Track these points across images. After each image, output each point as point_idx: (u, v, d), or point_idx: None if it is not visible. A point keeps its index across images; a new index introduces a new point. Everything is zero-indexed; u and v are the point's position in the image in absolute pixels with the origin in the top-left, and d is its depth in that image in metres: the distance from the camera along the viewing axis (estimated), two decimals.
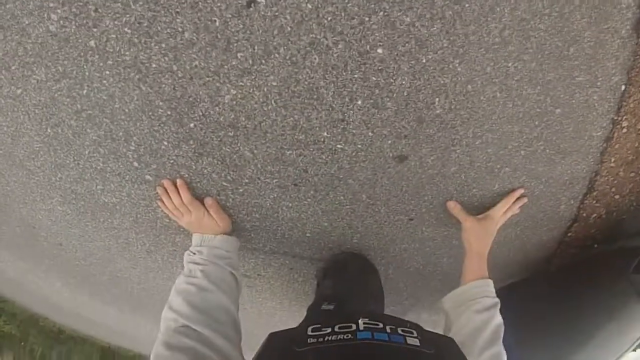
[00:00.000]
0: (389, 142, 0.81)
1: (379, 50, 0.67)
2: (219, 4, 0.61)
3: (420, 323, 0.54)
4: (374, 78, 0.70)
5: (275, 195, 0.92)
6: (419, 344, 0.46)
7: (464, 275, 0.90)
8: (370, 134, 0.79)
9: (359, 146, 0.81)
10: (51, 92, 0.74)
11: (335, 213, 0.98)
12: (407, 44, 0.67)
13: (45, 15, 0.63)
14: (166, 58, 0.67)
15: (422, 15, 0.64)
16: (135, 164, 0.86)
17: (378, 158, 0.84)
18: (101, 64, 0.69)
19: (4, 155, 0.92)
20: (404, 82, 0.71)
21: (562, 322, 1.10)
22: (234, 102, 0.73)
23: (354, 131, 0.78)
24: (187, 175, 0.87)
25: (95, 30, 0.64)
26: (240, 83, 0.70)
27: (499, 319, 0.79)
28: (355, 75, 0.70)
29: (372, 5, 0.62)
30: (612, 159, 0.92)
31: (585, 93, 0.78)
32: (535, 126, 0.82)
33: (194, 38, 0.65)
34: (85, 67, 0.69)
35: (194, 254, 0.83)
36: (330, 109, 0.74)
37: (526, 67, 0.72)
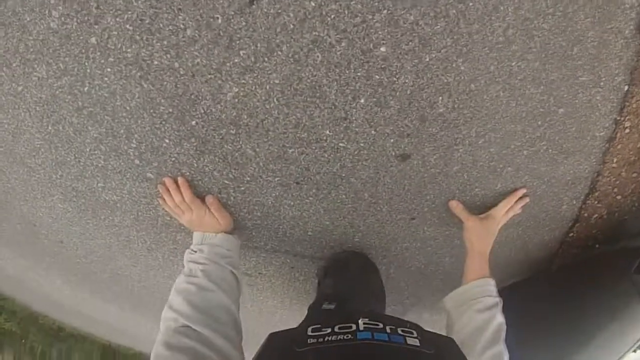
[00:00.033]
0: (392, 140, 0.81)
1: (382, 49, 0.66)
2: (221, 1, 0.61)
3: (422, 322, 0.54)
4: (377, 76, 0.70)
5: (277, 194, 0.92)
6: (418, 344, 0.46)
7: (465, 275, 0.90)
8: (373, 132, 0.79)
9: (362, 144, 0.81)
10: (52, 89, 0.74)
11: (337, 212, 0.98)
12: (410, 43, 0.66)
13: (47, 12, 0.63)
14: (168, 55, 0.67)
15: (426, 14, 0.63)
16: (137, 161, 0.86)
17: (381, 157, 0.84)
18: (102, 61, 0.68)
19: (4, 153, 0.92)
20: (407, 81, 0.71)
21: (564, 322, 1.10)
22: (236, 100, 0.73)
23: (356, 129, 0.78)
24: (188, 173, 0.87)
25: (96, 27, 0.64)
26: (243, 81, 0.70)
27: (500, 318, 0.79)
28: (358, 74, 0.69)
29: (376, 4, 0.61)
30: (615, 160, 0.92)
31: (588, 93, 0.78)
32: (538, 126, 0.82)
33: (196, 35, 0.64)
34: (86, 64, 0.69)
35: (195, 252, 0.83)
36: (333, 107, 0.74)
37: (530, 66, 0.72)
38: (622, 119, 0.84)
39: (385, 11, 0.62)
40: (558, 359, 1.09)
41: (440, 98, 0.74)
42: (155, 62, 0.68)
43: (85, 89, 0.73)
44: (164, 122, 0.77)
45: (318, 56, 0.67)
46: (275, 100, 0.73)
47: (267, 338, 0.50)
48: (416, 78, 0.71)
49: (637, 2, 0.67)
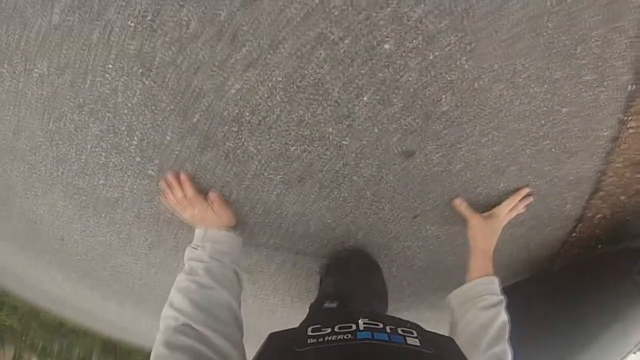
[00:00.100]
0: (395, 138, 0.80)
1: (386, 46, 0.66)
2: None
3: (424, 321, 0.54)
4: (380, 74, 0.69)
5: (279, 191, 0.91)
6: (419, 344, 0.47)
7: (469, 273, 0.90)
8: (376, 130, 0.78)
9: (365, 142, 0.80)
10: (53, 85, 0.74)
11: (339, 209, 0.97)
12: (414, 40, 0.66)
13: (48, 6, 0.62)
14: (170, 51, 0.67)
15: (431, 11, 0.62)
16: (138, 158, 0.85)
17: (384, 155, 0.83)
18: (104, 57, 0.68)
19: (5, 149, 0.92)
20: (411, 78, 0.70)
21: (566, 322, 1.09)
22: (239, 96, 0.72)
23: (359, 127, 0.77)
24: (190, 170, 0.86)
25: (98, 22, 0.63)
26: (245, 77, 0.69)
27: (504, 316, 0.79)
28: (362, 71, 0.69)
29: (380, 0, 0.61)
30: (619, 160, 0.91)
31: (592, 92, 0.77)
32: (542, 125, 0.81)
33: (199, 30, 0.64)
34: (88, 60, 0.69)
35: (196, 249, 0.82)
36: (336, 104, 0.73)
37: (534, 65, 0.71)
38: (627, 118, 0.83)
39: (389, 8, 0.62)
40: (560, 359, 1.09)
41: (444, 96, 0.74)
42: (158, 58, 0.67)
43: (87, 85, 0.72)
44: (165, 119, 0.76)
45: (322, 53, 0.66)
46: (278, 96, 0.72)
47: (267, 338, 0.50)
48: (420, 76, 0.70)
49: None
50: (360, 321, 0.50)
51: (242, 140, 0.80)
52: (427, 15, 0.63)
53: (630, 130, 0.85)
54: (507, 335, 0.77)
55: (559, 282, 1.18)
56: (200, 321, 0.66)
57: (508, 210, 0.94)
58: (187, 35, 0.64)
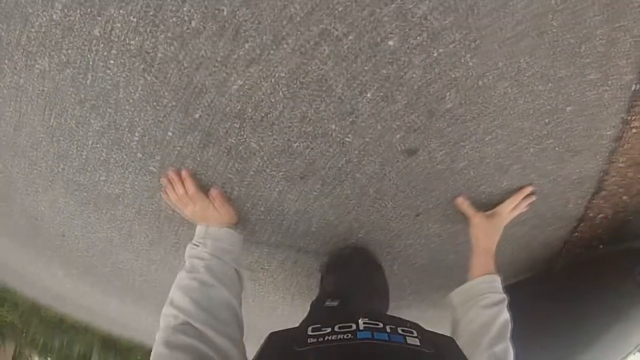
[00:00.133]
0: (398, 135, 0.80)
1: (390, 43, 0.65)
2: None
3: (425, 319, 0.54)
4: (384, 70, 0.69)
5: (281, 188, 0.91)
6: (419, 344, 0.46)
7: (471, 271, 0.90)
8: (379, 127, 0.78)
9: (368, 139, 0.80)
10: (54, 81, 0.73)
11: (341, 207, 0.97)
12: (419, 37, 0.65)
13: (49, 3, 0.62)
14: (172, 47, 0.66)
15: (435, 8, 0.62)
16: (139, 154, 0.85)
17: (387, 152, 0.83)
18: (105, 53, 0.67)
19: (6, 145, 0.92)
20: (415, 75, 0.70)
21: (568, 321, 1.09)
22: (241, 93, 0.72)
23: (363, 124, 0.77)
24: (191, 166, 0.86)
25: (99, 18, 0.63)
26: (248, 73, 0.69)
27: (506, 314, 0.79)
28: (366, 67, 0.68)
29: None
30: (622, 159, 0.91)
31: (596, 91, 0.77)
32: (546, 123, 0.81)
33: (201, 26, 0.63)
34: (89, 56, 0.68)
35: (197, 246, 0.82)
36: (340, 101, 0.73)
37: (538, 63, 0.71)
38: (630, 118, 0.83)
39: (394, 4, 0.61)
40: (561, 358, 1.09)
41: (448, 93, 0.73)
42: (159, 54, 0.67)
43: (88, 81, 0.72)
44: (167, 115, 0.76)
45: (325, 49, 0.66)
46: (280, 93, 0.72)
47: (268, 337, 0.50)
48: (424, 73, 0.70)
49: None
50: (360, 321, 0.50)
51: (245, 136, 0.79)
52: (432, 12, 0.62)
53: (634, 130, 0.85)
54: (509, 334, 0.77)
55: (560, 282, 1.18)
56: (200, 320, 0.66)
57: (510, 209, 0.94)
58: (189, 31, 0.64)
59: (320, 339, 0.47)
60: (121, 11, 0.62)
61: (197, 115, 0.76)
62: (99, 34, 0.65)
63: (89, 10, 0.62)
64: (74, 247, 1.38)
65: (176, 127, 0.78)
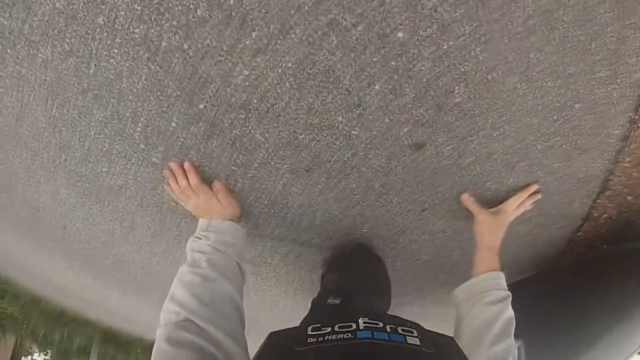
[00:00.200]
0: (406, 129, 0.79)
1: (400, 34, 0.64)
2: None
3: (428, 316, 0.53)
4: (393, 62, 0.68)
5: (286, 181, 0.90)
6: (419, 343, 0.47)
7: (475, 268, 0.90)
8: (386, 120, 0.77)
9: (375, 132, 0.79)
10: (57, 71, 0.72)
11: (346, 201, 0.96)
12: (428, 29, 0.64)
13: None
14: (177, 36, 0.65)
15: (446, 0, 0.61)
16: (142, 145, 0.84)
17: (394, 145, 0.82)
18: (109, 42, 0.66)
19: (8, 136, 0.91)
20: (423, 68, 0.69)
21: (571, 320, 1.09)
22: (247, 83, 0.71)
23: (370, 117, 0.76)
24: (195, 158, 0.85)
25: (103, 6, 0.62)
26: (254, 63, 0.68)
27: (510, 312, 0.80)
28: (374, 59, 0.67)
29: None
30: (627, 159, 0.90)
31: (605, 89, 0.76)
32: (554, 120, 0.80)
33: (207, 15, 0.62)
34: (92, 45, 0.67)
35: (200, 239, 0.81)
36: (347, 92, 0.72)
37: (548, 58, 0.70)
38: (638, 117, 0.82)
39: None
40: (564, 358, 1.09)
41: (457, 87, 0.72)
42: (164, 43, 0.66)
43: (91, 70, 0.71)
44: (171, 105, 0.75)
45: (333, 40, 0.64)
46: (287, 84, 0.71)
47: (268, 337, 0.51)
48: (433, 65, 0.69)
49: None
50: (360, 320, 0.50)
51: (249, 128, 0.78)
52: (442, 4, 0.61)
53: None
54: (512, 331, 0.77)
55: (563, 281, 1.18)
56: (202, 317, 0.66)
57: (515, 207, 0.94)
58: (194, 19, 0.63)
59: (320, 339, 0.47)
60: None
61: (201, 106, 0.75)
62: (102, 23, 0.64)
63: None
64: (75, 239, 1.38)
65: (180, 117, 0.77)
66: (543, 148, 0.86)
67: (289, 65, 0.68)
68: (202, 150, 0.83)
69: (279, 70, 0.69)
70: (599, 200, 1.01)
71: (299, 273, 1.30)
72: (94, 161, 0.92)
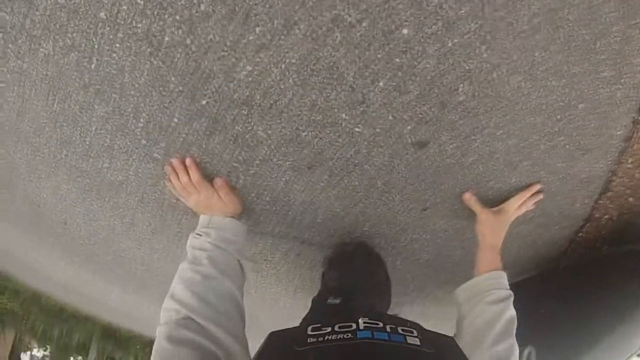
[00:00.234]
0: (409, 127, 0.78)
1: (405, 31, 0.64)
2: None
3: (428, 316, 0.53)
4: (397, 59, 0.67)
5: (288, 178, 0.90)
6: (419, 343, 0.46)
7: (477, 267, 0.90)
8: (390, 117, 0.76)
9: (378, 130, 0.79)
10: (59, 66, 0.72)
11: (348, 199, 0.96)
12: (433, 26, 0.63)
13: None
14: (180, 31, 0.64)
15: None
16: (144, 141, 0.84)
17: (397, 143, 0.81)
18: (111, 36, 0.66)
19: (9, 131, 0.91)
20: (428, 65, 0.68)
21: (572, 321, 1.09)
22: (250, 79, 0.70)
23: (373, 114, 0.76)
24: (197, 154, 0.85)
25: (105, 1, 0.61)
26: (257, 59, 0.67)
27: (512, 311, 0.79)
28: (379, 56, 0.66)
29: None
30: (630, 160, 0.90)
31: (609, 89, 0.76)
32: (558, 120, 0.80)
33: (210, 10, 0.62)
34: (94, 39, 0.67)
35: (200, 236, 0.81)
36: (351, 89, 0.71)
37: (553, 58, 0.69)
38: None
39: None
40: (565, 358, 1.09)
41: (462, 85, 0.72)
42: (167, 38, 0.65)
43: (93, 65, 0.70)
44: (173, 101, 0.75)
45: (337, 36, 0.64)
46: (290, 80, 0.70)
47: (267, 337, 0.51)
48: (438, 63, 0.68)
49: None
50: (360, 320, 0.50)
51: (252, 124, 0.78)
52: (447, 1, 0.60)
53: None
54: (514, 331, 0.77)
55: (565, 281, 1.18)
56: (203, 315, 0.66)
57: (517, 206, 0.94)
58: (197, 14, 0.62)
59: (320, 339, 0.47)
60: None
61: (204, 102, 0.74)
62: (104, 17, 0.63)
63: None
64: (76, 235, 1.38)
65: (182, 113, 0.77)
66: (546, 148, 0.85)
67: (293, 61, 0.67)
68: (204, 146, 0.83)
69: (283, 66, 0.68)
70: (600, 201, 1.00)
71: (300, 271, 1.30)
72: (95, 157, 0.91)
